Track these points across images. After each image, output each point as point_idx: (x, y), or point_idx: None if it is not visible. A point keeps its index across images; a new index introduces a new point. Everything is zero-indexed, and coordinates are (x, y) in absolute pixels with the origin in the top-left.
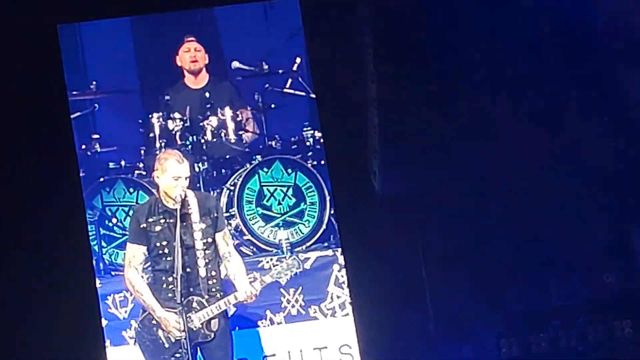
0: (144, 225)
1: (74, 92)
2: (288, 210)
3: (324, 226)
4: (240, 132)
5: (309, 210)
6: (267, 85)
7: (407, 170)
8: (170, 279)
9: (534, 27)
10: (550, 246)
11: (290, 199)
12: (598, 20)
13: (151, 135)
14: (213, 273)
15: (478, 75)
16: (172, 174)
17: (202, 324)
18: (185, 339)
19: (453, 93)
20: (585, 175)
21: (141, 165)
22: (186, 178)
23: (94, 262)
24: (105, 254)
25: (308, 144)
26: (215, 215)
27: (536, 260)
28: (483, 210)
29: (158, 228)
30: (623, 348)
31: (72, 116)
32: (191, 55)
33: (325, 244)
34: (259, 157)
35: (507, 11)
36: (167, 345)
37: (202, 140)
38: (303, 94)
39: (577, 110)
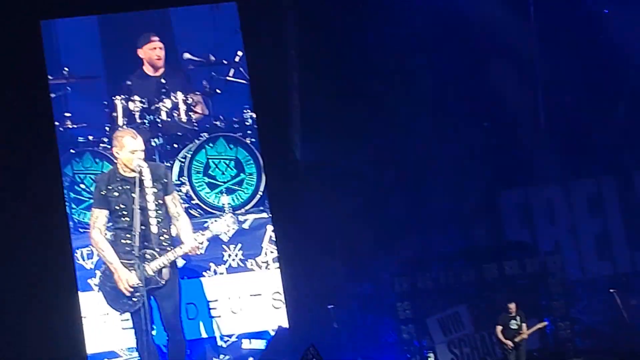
0: (104, 192)
1: (50, 77)
2: (230, 179)
3: (259, 193)
4: (190, 113)
5: (247, 180)
6: (213, 74)
7: (322, 142)
8: (129, 235)
9: (428, 30)
10: (433, 205)
11: (232, 170)
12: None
13: (114, 114)
14: (164, 230)
15: (380, 66)
16: (129, 148)
17: (154, 272)
18: (140, 285)
19: (360, 82)
20: (462, 149)
21: (106, 140)
22: (141, 151)
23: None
24: (74, 214)
25: (247, 123)
26: (165, 181)
27: (422, 216)
28: (382, 176)
29: (117, 194)
30: (490, 286)
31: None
32: (157, 53)
33: (261, 208)
34: (205, 134)
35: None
36: (125, 292)
37: (158, 120)
38: (243, 81)
39: (457, 97)
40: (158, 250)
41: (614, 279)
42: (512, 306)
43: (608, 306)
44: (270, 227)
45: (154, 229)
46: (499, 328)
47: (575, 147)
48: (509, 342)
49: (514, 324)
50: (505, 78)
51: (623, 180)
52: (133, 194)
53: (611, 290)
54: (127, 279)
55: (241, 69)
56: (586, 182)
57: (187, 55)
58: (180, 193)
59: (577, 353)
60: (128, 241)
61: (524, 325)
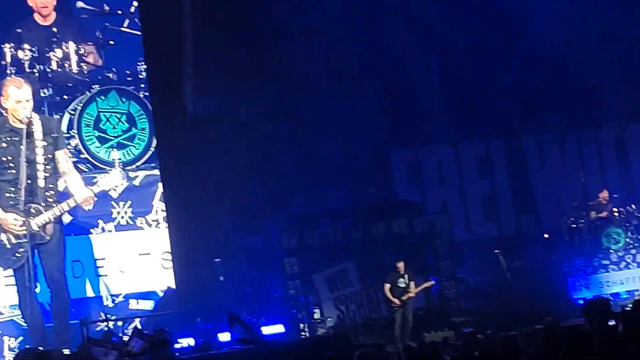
0: None
1: None
2: (121, 133)
3: (151, 149)
4: (82, 64)
5: (139, 135)
6: (107, 24)
7: (215, 95)
8: (14, 188)
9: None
10: (323, 162)
11: (123, 124)
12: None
13: (3, 62)
14: (51, 185)
15: (276, 21)
16: (14, 98)
17: (39, 227)
18: (24, 241)
19: (256, 35)
20: (354, 107)
21: None
22: (27, 100)
23: None
24: None
25: (141, 76)
26: (56, 135)
27: (313, 173)
28: (275, 131)
29: (4, 145)
30: (378, 244)
31: None
32: (43, 0)
33: (153, 164)
34: (97, 86)
35: None
36: (8, 246)
37: (48, 70)
38: (138, 33)
39: (351, 55)
40: (44, 205)
41: (499, 241)
42: (401, 265)
43: (493, 267)
44: (161, 185)
45: (40, 182)
46: (387, 286)
47: (466, 109)
48: (396, 300)
49: (402, 282)
50: (400, 39)
51: (512, 143)
52: (21, 146)
53: (496, 252)
54: (12, 224)
55: (136, 19)
56: (476, 144)
57: (80, 4)
58: (69, 147)
59: (462, 312)
60: (13, 194)
61: (411, 283)
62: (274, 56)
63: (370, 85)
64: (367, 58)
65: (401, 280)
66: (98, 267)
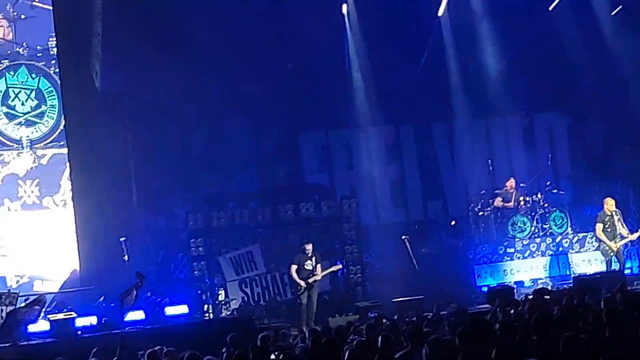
0: None
1: None
2: (30, 110)
3: (61, 127)
4: None
5: (49, 112)
6: None
7: (125, 73)
8: None
9: None
10: (232, 144)
11: (32, 100)
12: None
13: None
14: None
15: (184, 4)
16: None
17: None
18: None
19: (167, 14)
20: (265, 88)
21: None
22: None
23: None
24: None
25: (52, 52)
26: None
27: (221, 155)
28: (184, 111)
29: None
30: (285, 227)
31: None
32: None
33: (62, 143)
34: (6, 61)
35: None
36: None
37: None
38: (51, 7)
39: (263, 37)
40: None
41: (406, 226)
42: (309, 247)
43: (399, 252)
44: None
45: None
46: (294, 267)
47: (377, 95)
48: (302, 282)
49: (309, 265)
50: (313, 23)
51: (421, 129)
52: None
53: (403, 237)
54: None
55: None
56: (385, 129)
57: None
58: None
59: (367, 297)
60: None
61: (318, 266)
62: (185, 36)
63: (281, 68)
64: (279, 41)
65: (308, 262)
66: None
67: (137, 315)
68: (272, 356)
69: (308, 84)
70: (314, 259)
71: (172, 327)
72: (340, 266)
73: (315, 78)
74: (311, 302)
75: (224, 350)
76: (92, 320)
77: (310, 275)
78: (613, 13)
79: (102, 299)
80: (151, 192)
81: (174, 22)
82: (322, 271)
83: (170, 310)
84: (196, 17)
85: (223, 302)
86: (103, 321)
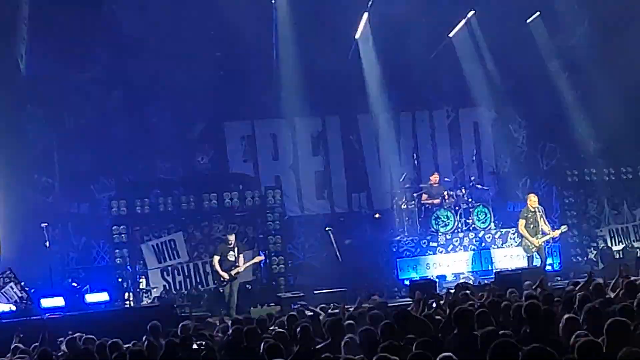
0: None
1: None
2: None
3: None
4: None
5: None
6: None
7: (49, 57)
8: None
9: None
10: (156, 131)
11: None
12: None
13: None
14: None
15: None
16: None
17: None
18: None
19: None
20: (192, 76)
21: None
22: None
23: None
24: None
25: None
26: None
27: (145, 142)
28: (109, 96)
29: None
30: (208, 216)
31: None
32: None
33: None
34: None
35: None
36: None
37: None
38: None
39: (191, 24)
40: None
41: (330, 218)
42: (232, 238)
43: (323, 244)
44: None
45: None
46: (217, 258)
47: (303, 86)
48: (225, 274)
49: (231, 256)
50: (242, 11)
51: (347, 121)
52: None
53: (327, 229)
54: None
55: None
56: (312, 120)
57: None
58: None
59: (289, 288)
60: None
61: (240, 257)
62: (111, 23)
63: (208, 56)
64: (207, 30)
65: (231, 253)
66: None
67: (56, 302)
68: (194, 346)
69: (235, 74)
70: (236, 249)
71: (92, 315)
72: (263, 257)
73: (242, 68)
74: (232, 292)
75: (144, 338)
76: (11, 306)
77: (233, 267)
78: (529, 20)
79: (22, 284)
80: (74, 178)
81: (100, 8)
82: (244, 262)
83: (90, 298)
84: (123, 3)
85: (144, 290)
86: (20, 308)
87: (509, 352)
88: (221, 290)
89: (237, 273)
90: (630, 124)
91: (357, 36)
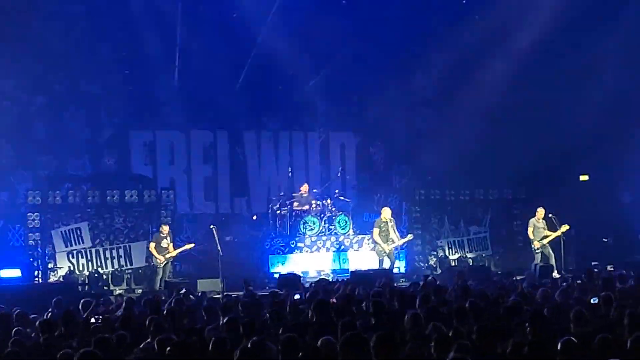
0: None
1: None
2: None
3: None
4: None
5: None
6: None
7: None
8: None
9: None
10: (71, 134)
11: None
12: None
13: None
14: None
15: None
16: None
17: None
18: None
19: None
20: (102, 90)
21: None
22: None
23: None
24: None
25: None
26: None
27: (60, 142)
28: (30, 101)
29: None
30: (111, 209)
31: None
32: None
33: None
34: None
35: None
36: None
37: None
38: None
39: (108, 44)
40: None
41: (215, 217)
42: (165, 228)
43: (207, 239)
44: None
45: None
46: (152, 244)
47: (199, 103)
48: (162, 258)
49: (164, 243)
50: (151, 33)
51: (234, 136)
52: None
53: (211, 227)
54: None
55: None
56: (204, 133)
57: None
58: None
59: (176, 275)
60: None
61: (171, 245)
62: (36, 36)
63: (119, 72)
64: (119, 48)
65: (164, 241)
66: None
67: None
68: (92, 320)
69: (141, 89)
70: (168, 238)
71: (5, 288)
72: (193, 245)
73: (147, 84)
74: (165, 272)
75: (49, 310)
76: None
77: (166, 253)
78: None
79: None
80: None
81: (30, 24)
82: (174, 249)
83: (4, 273)
84: (49, 20)
85: (52, 269)
86: None
87: (359, 340)
88: (157, 270)
89: (171, 257)
90: (469, 155)
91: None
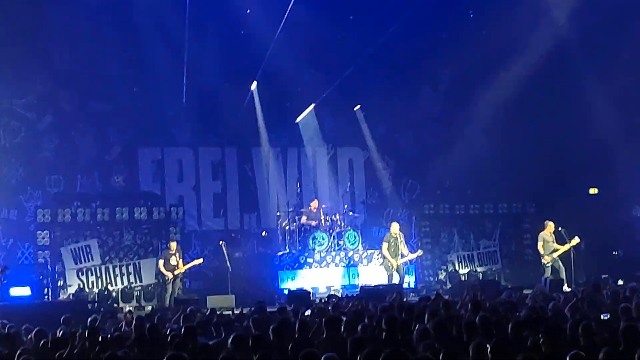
0: None
1: None
2: None
3: None
4: None
5: None
6: None
7: None
8: None
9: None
10: (79, 152)
11: None
12: None
13: None
14: None
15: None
16: None
17: None
18: None
19: (27, 32)
20: (110, 108)
21: None
22: None
23: None
24: None
25: None
26: None
27: (69, 160)
28: (41, 119)
29: None
30: (120, 226)
31: None
32: None
33: None
34: None
35: None
36: None
37: None
38: None
39: (116, 62)
40: None
41: (224, 234)
42: (173, 245)
43: (216, 255)
44: None
45: None
46: (161, 261)
47: (207, 120)
48: (170, 274)
49: (173, 260)
50: (159, 54)
51: (243, 153)
52: None
53: (220, 243)
54: None
55: None
56: (212, 150)
57: None
58: None
59: (185, 291)
60: None
61: (180, 261)
62: (44, 56)
63: (127, 90)
64: (128, 66)
65: (173, 258)
66: None
67: None
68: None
69: (149, 106)
70: (177, 254)
71: (15, 307)
72: (202, 260)
73: (155, 101)
74: (174, 288)
75: (59, 328)
76: None
77: (175, 269)
78: None
79: None
80: (5, 189)
81: (37, 44)
82: (183, 265)
83: (14, 291)
84: (56, 41)
85: (61, 287)
86: None
87: (370, 357)
88: (166, 286)
89: (179, 273)
90: (478, 169)
91: (252, 88)
